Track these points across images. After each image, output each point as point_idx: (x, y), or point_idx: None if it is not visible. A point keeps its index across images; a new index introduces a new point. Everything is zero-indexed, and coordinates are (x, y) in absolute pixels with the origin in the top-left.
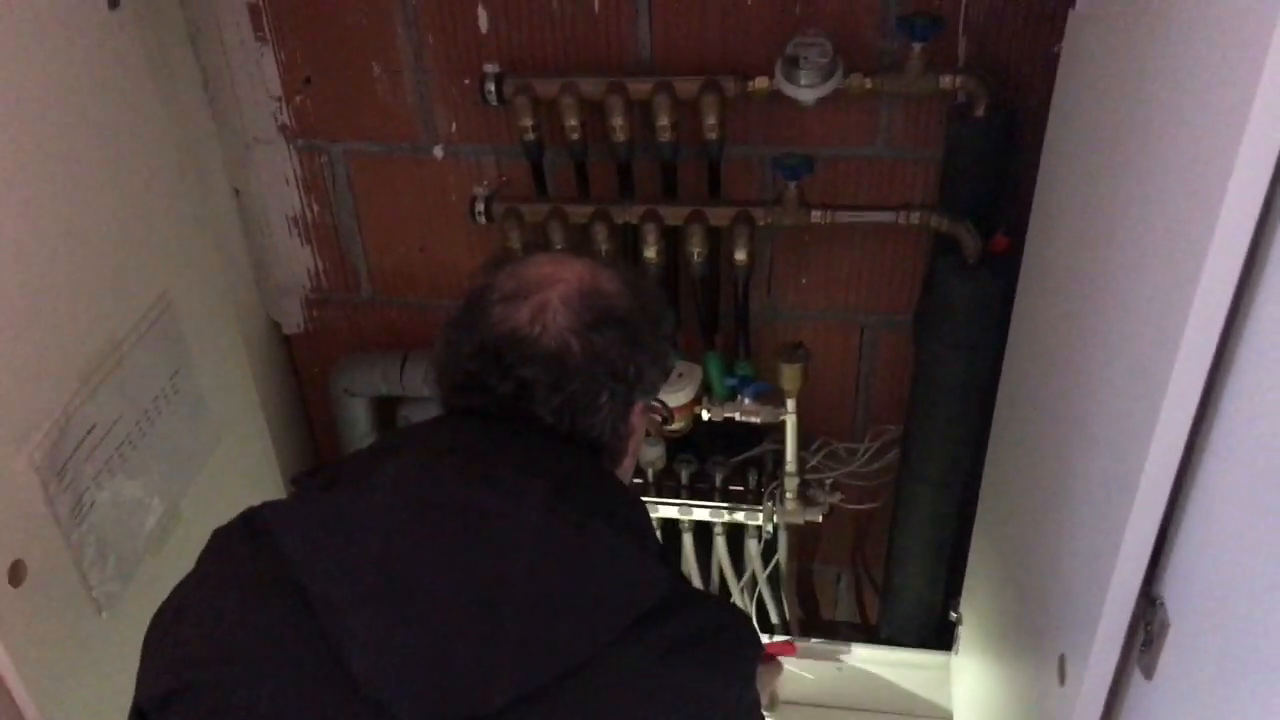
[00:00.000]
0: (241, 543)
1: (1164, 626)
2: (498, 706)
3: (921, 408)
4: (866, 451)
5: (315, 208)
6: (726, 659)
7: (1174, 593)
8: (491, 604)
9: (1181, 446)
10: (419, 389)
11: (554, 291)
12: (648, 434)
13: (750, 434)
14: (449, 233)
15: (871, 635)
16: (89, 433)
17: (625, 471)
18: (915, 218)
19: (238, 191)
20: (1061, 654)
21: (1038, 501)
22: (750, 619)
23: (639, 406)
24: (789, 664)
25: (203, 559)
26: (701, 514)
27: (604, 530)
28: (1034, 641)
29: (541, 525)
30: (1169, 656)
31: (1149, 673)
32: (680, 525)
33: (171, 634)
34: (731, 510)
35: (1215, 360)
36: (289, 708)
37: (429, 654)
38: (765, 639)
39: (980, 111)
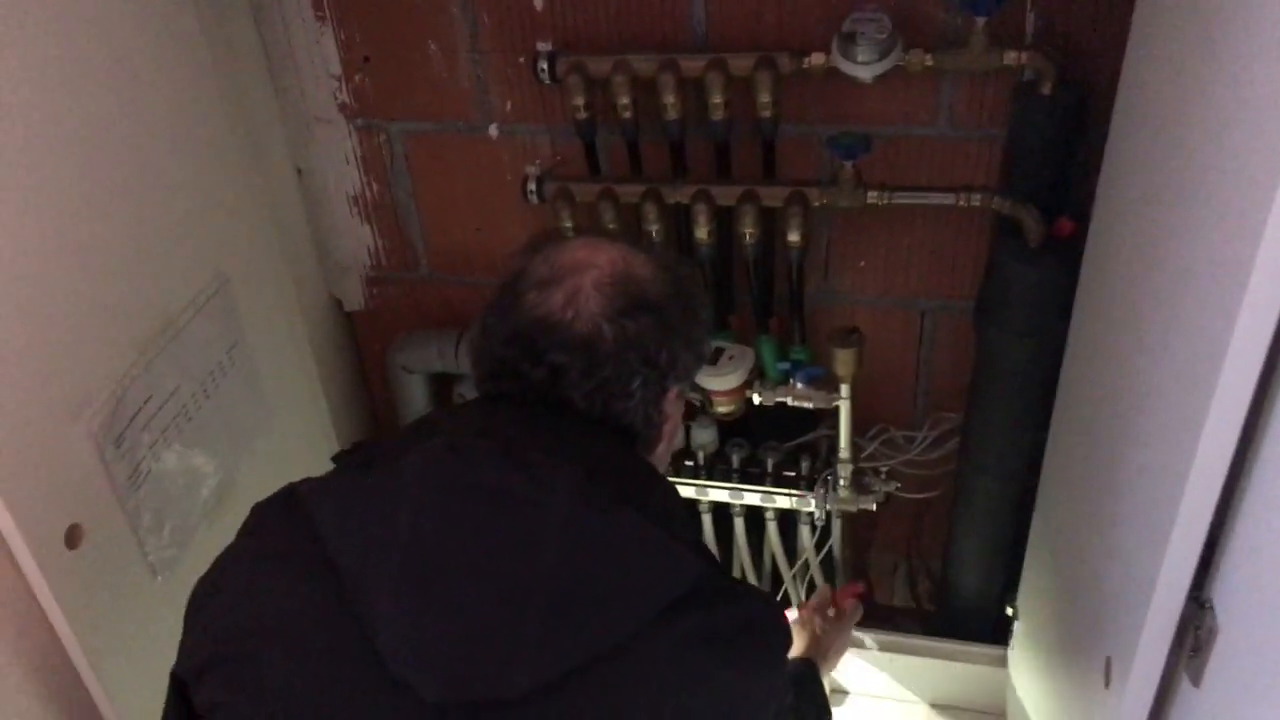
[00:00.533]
0: (279, 518)
1: (1213, 632)
2: (522, 690)
3: (982, 397)
4: (925, 440)
5: (375, 186)
6: (757, 652)
7: (1225, 597)
8: (518, 589)
9: (1234, 442)
10: None
11: (587, 277)
12: (696, 415)
13: (806, 420)
14: (504, 212)
15: (928, 626)
16: (146, 403)
17: (660, 458)
18: (976, 199)
19: (300, 170)
20: (1108, 656)
21: (1091, 497)
22: (779, 605)
23: (673, 393)
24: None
25: (242, 533)
26: (753, 499)
27: (634, 517)
28: (1082, 641)
29: (571, 511)
30: (1218, 663)
31: (1197, 680)
32: (732, 509)
33: (208, 606)
34: (784, 496)
35: (1270, 354)
36: (317, 683)
37: (454, 636)
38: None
39: (1047, 89)
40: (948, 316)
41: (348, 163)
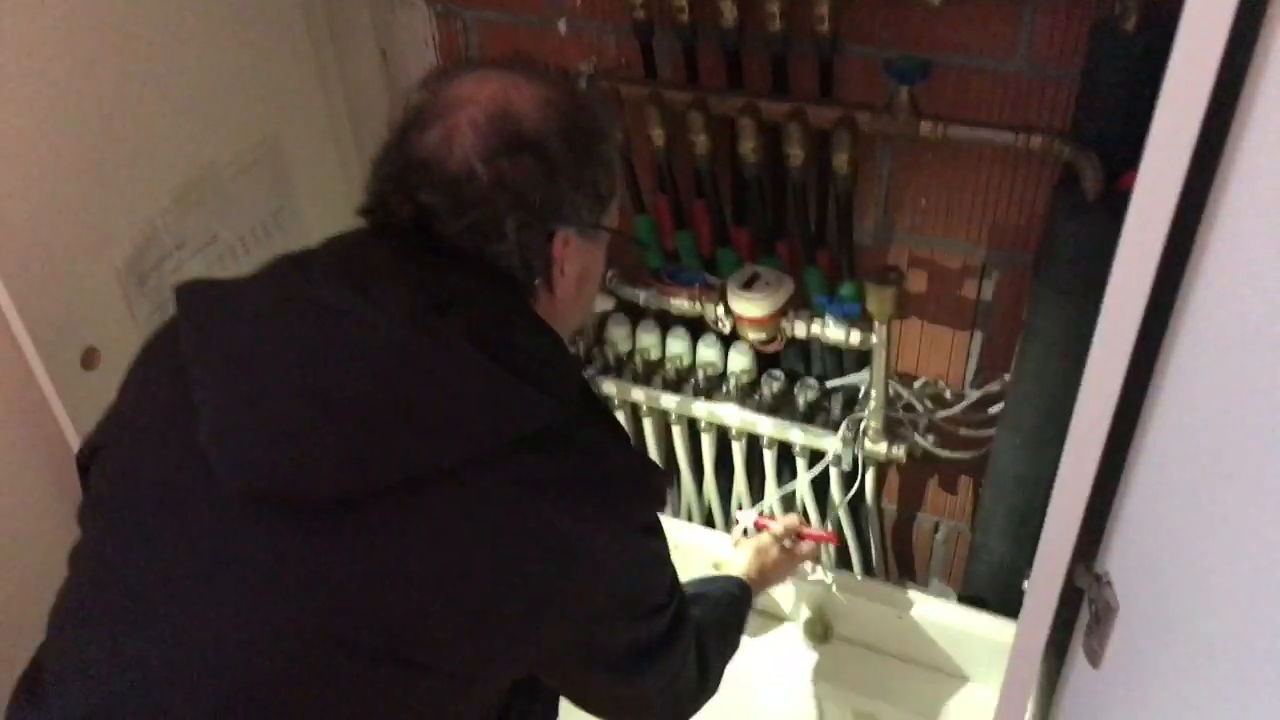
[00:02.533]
0: (170, 322)
1: (1110, 608)
2: (323, 496)
3: (1026, 358)
4: (971, 397)
5: None
6: (605, 505)
7: (1122, 571)
8: (329, 397)
9: (1111, 406)
10: None
11: (464, 114)
12: (733, 340)
13: (860, 363)
14: None
15: (963, 594)
16: (179, 247)
17: (562, 308)
18: (1036, 142)
19: (384, 53)
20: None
21: None
22: (652, 466)
23: (562, 235)
24: (850, 597)
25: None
26: (779, 432)
27: (471, 351)
28: None
29: (395, 332)
30: (1118, 642)
31: (1095, 660)
32: (761, 442)
33: (115, 400)
34: (808, 433)
35: (1156, 317)
36: (145, 468)
37: (259, 433)
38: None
39: (1130, 26)
40: (1012, 269)
41: (426, 46)
